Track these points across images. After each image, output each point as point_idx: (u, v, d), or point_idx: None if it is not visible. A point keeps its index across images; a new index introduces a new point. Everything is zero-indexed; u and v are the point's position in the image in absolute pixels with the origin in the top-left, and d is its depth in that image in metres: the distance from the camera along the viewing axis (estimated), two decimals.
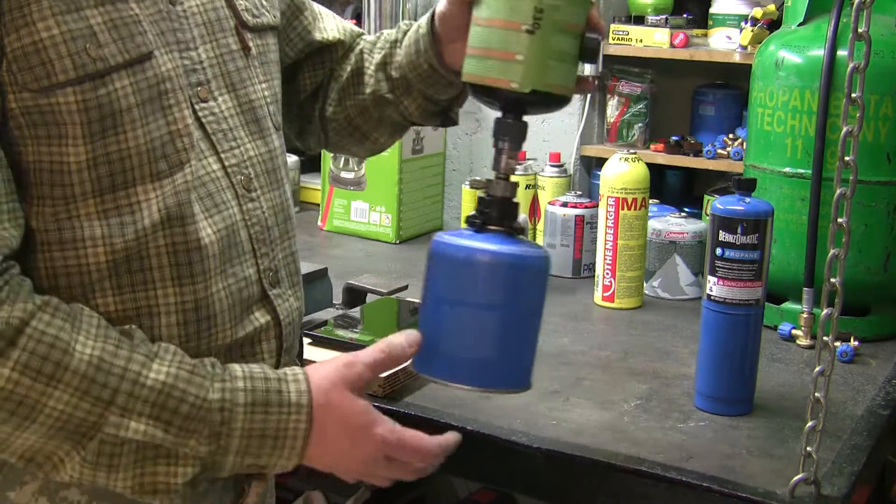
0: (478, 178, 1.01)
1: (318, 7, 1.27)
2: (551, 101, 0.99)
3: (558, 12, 0.95)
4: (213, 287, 0.96)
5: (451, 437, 0.97)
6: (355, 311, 1.48)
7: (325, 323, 1.41)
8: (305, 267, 1.50)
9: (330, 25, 1.26)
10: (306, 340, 1.36)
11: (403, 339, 0.96)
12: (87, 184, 0.90)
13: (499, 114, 1.00)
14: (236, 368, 0.92)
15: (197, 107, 0.98)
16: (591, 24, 0.99)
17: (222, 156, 0.99)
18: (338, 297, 1.57)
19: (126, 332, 0.90)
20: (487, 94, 0.99)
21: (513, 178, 0.99)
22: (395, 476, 0.97)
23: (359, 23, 2.69)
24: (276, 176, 1.06)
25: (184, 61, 0.97)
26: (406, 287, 1.54)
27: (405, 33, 1.18)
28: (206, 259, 0.95)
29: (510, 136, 0.99)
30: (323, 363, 0.96)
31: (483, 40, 0.98)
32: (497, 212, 0.98)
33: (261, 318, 1.01)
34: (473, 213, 0.98)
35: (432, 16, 1.13)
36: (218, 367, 0.92)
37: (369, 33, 1.25)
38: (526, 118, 1.00)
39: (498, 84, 0.96)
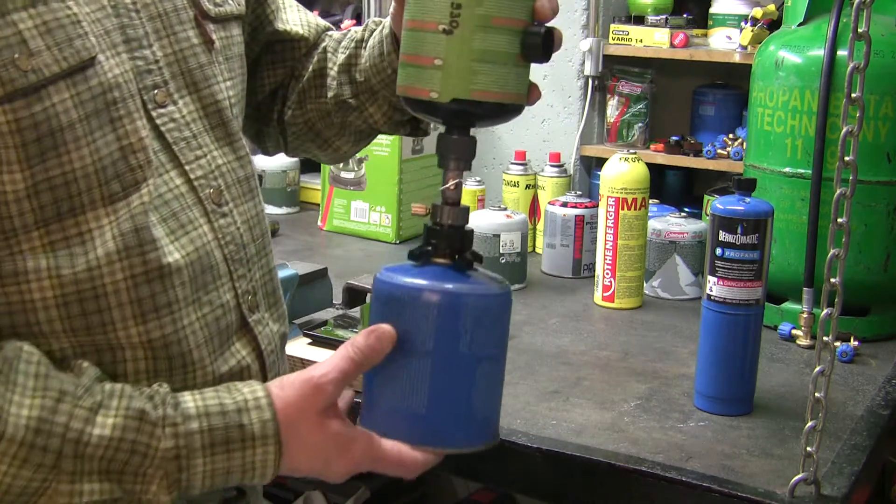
0: (418, 204, 0.93)
1: None
2: (490, 111, 0.86)
3: (481, 6, 0.83)
4: (184, 319, 0.86)
5: (431, 458, 0.89)
6: (355, 311, 1.48)
7: (325, 323, 1.41)
8: (305, 267, 1.51)
9: (293, 18, 1.14)
10: (306, 340, 1.36)
11: (373, 338, 0.85)
12: (27, 215, 0.78)
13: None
14: (189, 405, 0.82)
15: (154, 113, 0.87)
16: (537, 17, 0.86)
17: (186, 168, 0.88)
18: (338, 297, 1.57)
19: (76, 369, 0.81)
20: (412, 105, 0.88)
21: (464, 202, 0.89)
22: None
23: (359, 23, 2.68)
24: (248, 186, 0.96)
25: (136, 62, 0.85)
26: None
27: (372, 32, 1.08)
28: (173, 288, 0.85)
29: (453, 154, 0.87)
30: (288, 382, 0.86)
31: (406, 45, 0.87)
32: (444, 242, 0.87)
33: (241, 349, 0.92)
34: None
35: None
36: (169, 405, 0.81)
37: None
38: (476, 131, 0.88)
39: (418, 95, 0.85)
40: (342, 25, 2.77)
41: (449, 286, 0.85)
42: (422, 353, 0.85)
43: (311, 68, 1.12)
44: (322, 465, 0.86)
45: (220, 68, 0.95)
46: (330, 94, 1.10)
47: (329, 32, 1.16)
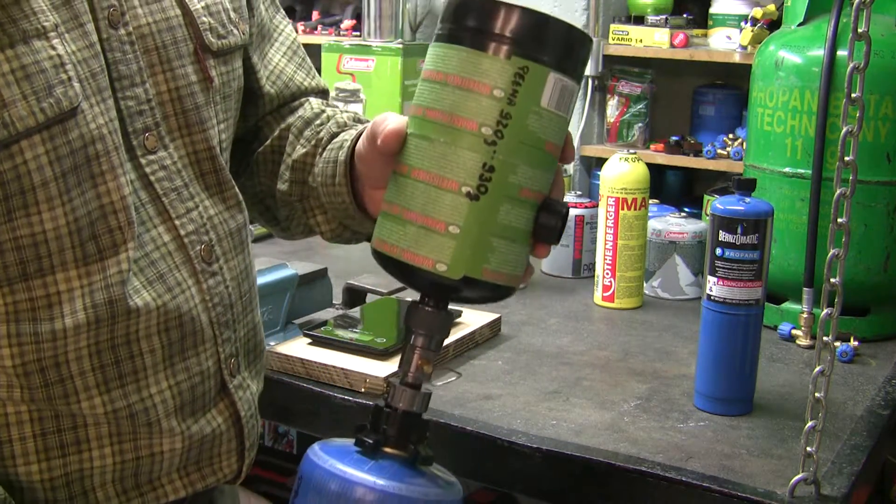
0: (373, 377, 0.77)
1: (277, 22, 1.01)
2: (490, 293, 0.74)
3: (516, 173, 0.71)
4: (152, 388, 0.78)
5: None
6: (355, 311, 1.48)
7: (325, 323, 1.41)
8: (305, 267, 1.51)
9: (273, 61, 1.00)
10: (306, 341, 1.36)
11: None
12: None
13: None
14: None
15: (143, 160, 0.78)
16: (553, 192, 0.75)
17: (176, 223, 0.80)
18: (338, 297, 1.57)
19: None
20: (401, 271, 0.74)
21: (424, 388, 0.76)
22: None
23: (359, 23, 2.68)
24: (239, 238, 0.88)
25: (126, 102, 0.77)
26: (406, 287, 1.54)
27: (333, 136, 0.94)
28: (142, 355, 0.77)
29: (427, 329, 0.75)
30: None
31: (404, 197, 0.73)
32: (396, 431, 0.74)
33: (217, 416, 0.84)
34: (366, 426, 0.76)
35: (354, 145, 0.89)
36: None
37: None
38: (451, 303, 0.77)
39: (418, 263, 0.72)
40: (342, 25, 2.76)
41: (408, 490, 0.72)
42: None
43: (269, 143, 0.99)
44: None
45: (215, 109, 0.86)
46: (280, 186, 0.97)
47: (310, 99, 1.03)
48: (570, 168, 2.24)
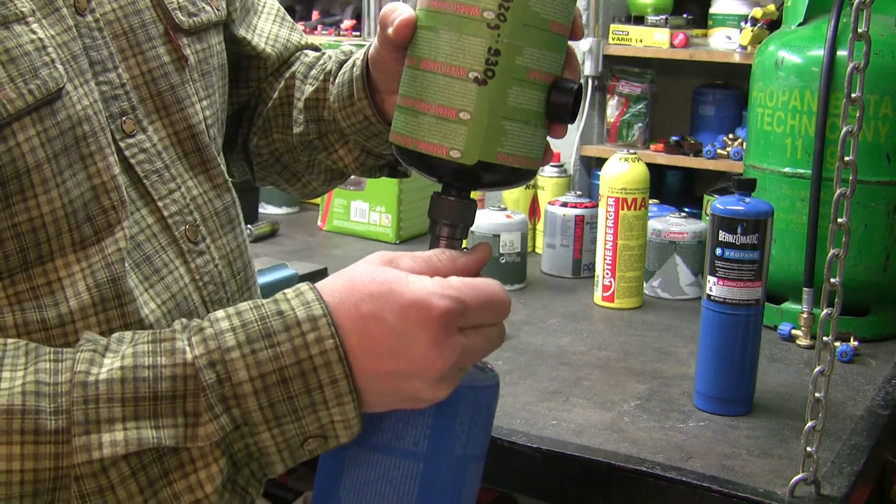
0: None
1: None
2: (508, 176, 0.75)
3: (522, 55, 0.72)
4: None
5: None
6: None
7: None
8: (305, 267, 1.51)
9: (263, 28, 1.02)
10: None
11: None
12: None
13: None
14: (217, 310, 0.70)
15: (122, 144, 0.78)
16: (567, 71, 0.76)
17: (159, 204, 0.80)
18: None
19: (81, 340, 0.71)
20: (419, 162, 0.76)
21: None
22: (480, 345, 0.70)
23: (359, 23, 2.68)
24: (227, 217, 0.88)
25: (101, 87, 0.76)
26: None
27: (341, 64, 0.96)
28: None
29: (450, 219, 0.76)
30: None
31: (415, 88, 0.74)
32: None
33: None
34: None
35: (367, 57, 0.89)
36: (194, 321, 0.70)
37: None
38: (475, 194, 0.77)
39: (432, 151, 0.73)
40: (342, 25, 2.76)
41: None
42: (411, 456, 0.71)
43: (276, 95, 1.01)
44: (407, 338, 0.67)
45: (194, 87, 0.86)
46: (296, 130, 0.99)
47: (305, 51, 1.05)
48: (570, 168, 2.24)
